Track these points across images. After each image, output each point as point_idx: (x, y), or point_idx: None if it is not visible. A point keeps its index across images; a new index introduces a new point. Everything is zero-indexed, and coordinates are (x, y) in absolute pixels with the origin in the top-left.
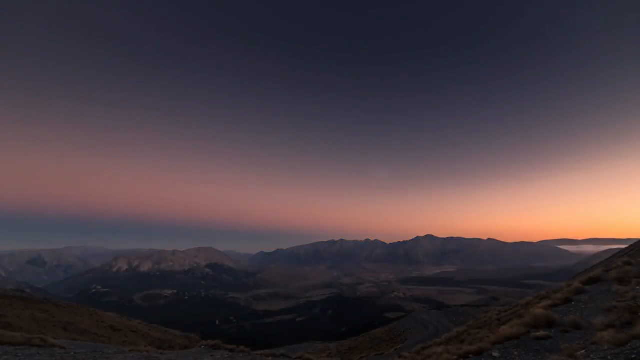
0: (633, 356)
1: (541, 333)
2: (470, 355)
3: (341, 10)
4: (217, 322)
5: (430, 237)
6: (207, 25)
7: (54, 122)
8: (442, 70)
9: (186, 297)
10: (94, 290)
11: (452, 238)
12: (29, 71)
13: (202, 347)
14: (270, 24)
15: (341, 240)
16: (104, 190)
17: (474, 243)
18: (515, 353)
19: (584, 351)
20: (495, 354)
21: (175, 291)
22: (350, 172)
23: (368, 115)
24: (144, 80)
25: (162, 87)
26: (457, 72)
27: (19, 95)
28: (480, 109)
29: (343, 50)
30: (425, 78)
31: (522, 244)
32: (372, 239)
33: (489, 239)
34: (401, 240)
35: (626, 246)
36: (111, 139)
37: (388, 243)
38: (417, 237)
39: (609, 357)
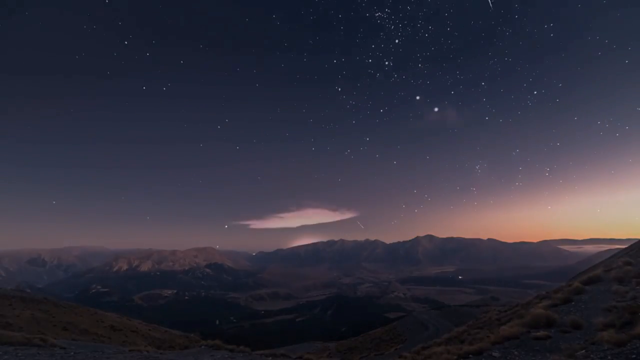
0: (633, 356)
1: (541, 333)
2: (470, 355)
3: None
4: (217, 322)
5: (430, 237)
6: None
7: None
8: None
9: (186, 297)
10: (94, 290)
11: (452, 238)
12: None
13: (202, 347)
14: None
15: (341, 240)
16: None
17: (474, 243)
18: (515, 353)
19: (584, 351)
20: (495, 354)
21: (175, 291)
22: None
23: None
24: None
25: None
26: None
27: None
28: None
29: None
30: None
31: (522, 244)
32: (372, 238)
33: (489, 239)
34: (401, 240)
35: (626, 246)
36: (110, 137)
37: (388, 243)
38: (417, 237)
39: (609, 357)
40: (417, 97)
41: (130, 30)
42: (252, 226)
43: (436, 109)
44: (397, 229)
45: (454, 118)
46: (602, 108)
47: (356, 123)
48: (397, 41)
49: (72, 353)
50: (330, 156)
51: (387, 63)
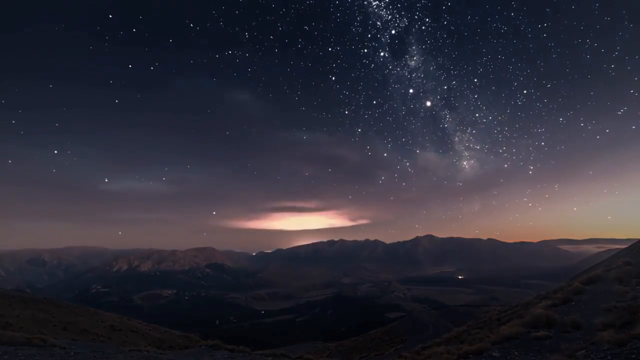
0: (633, 356)
1: (541, 333)
2: (470, 355)
3: None
4: (217, 322)
5: (430, 237)
6: None
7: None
8: None
9: (186, 297)
10: (94, 290)
11: (452, 238)
12: None
13: (202, 347)
14: None
15: (341, 240)
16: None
17: (474, 243)
18: (515, 353)
19: (584, 351)
20: (495, 354)
21: (175, 291)
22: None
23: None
24: None
25: None
26: None
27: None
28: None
29: None
30: None
31: (522, 244)
32: (372, 239)
33: (488, 239)
34: (401, 240)
35: (626, 246)
36: (114, 139)
37: (388, 243)
38: (417, 237)
39: (609, 357)
40: (411, 91)
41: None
42: (250, 226)
43: (428, 104)
44: (396, 228)
45: (445, 113)
46: (586, 111)
47: (348, 114)
48: (393, 32)
49: (72, 353)
50: (320, 146)
51: (382, 54)
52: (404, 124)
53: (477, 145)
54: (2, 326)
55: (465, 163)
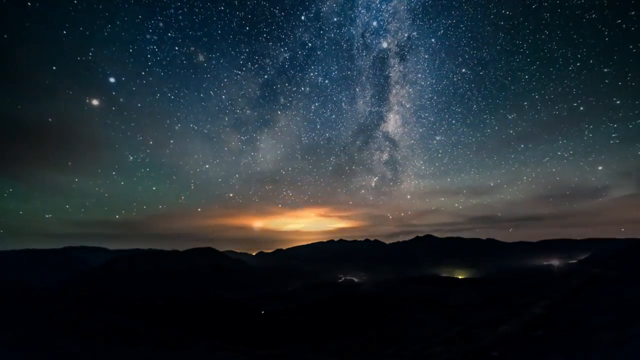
0: (633, 356)
1: (541, 333)
2: (470, 355)
3: None
4: (217, 322)
5: (430, 237)
6: None
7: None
8: None
9: (186, 297)
10: (94, 290)
11: (452, 238)
12: None
13: (203, 346)
14: None
15: (341, 240)
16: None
17: (474, 243)
18: (515, 353)
19: (583, 351)
20: (495, 354)
21: (175, 291)
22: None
23: None
24: None
25: None
26: None
27: None
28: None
29: None
30: None
31: (522, 244)
32: (372, 239)
33: (488, 239)
34: (401, 241)
35: (625, 246)
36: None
37: (388, 243)
38: (417, 237)
39: (608, 357)
40: (374, 23)
41: None
42: (250, 226)
43: (385, 45)
44: (397, 228)
45: (396, 61)
46: (497, 108)
47: (305, 21)
48: None
49: (73, 353)
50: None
51: None
52: (355, 57)
53: (408, 104)
54: (3, 326)
55: (391, 116)
